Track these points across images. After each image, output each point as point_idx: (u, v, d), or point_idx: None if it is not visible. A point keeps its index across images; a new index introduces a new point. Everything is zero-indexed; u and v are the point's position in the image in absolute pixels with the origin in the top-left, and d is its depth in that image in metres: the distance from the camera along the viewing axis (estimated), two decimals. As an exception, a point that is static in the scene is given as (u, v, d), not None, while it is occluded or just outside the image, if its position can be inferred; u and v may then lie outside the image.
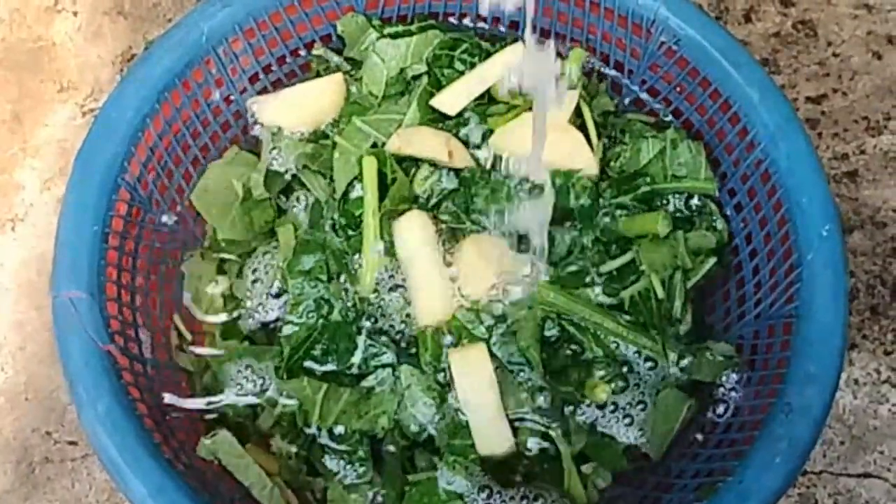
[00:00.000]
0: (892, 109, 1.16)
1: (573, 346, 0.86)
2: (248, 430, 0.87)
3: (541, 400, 0.84)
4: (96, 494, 0.99)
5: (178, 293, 0.92)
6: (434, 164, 0.89)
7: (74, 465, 1.00)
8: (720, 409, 0.84)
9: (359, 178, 0.87)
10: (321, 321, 0.85)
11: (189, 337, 0.90)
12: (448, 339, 0.85)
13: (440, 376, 0.84)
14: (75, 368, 0.77)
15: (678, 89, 0.93)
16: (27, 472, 1.00)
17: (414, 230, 0.86)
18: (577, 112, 0.91)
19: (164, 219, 0.90)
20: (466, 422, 0.83)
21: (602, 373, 0.85)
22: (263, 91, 0.97)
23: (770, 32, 1.20)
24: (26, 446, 1.01)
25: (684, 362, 0.85)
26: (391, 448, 0.84)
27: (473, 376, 0.83)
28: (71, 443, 1.01)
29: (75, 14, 1.23)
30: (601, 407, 0.85)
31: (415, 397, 0.83)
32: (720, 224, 0.89)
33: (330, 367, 0.85)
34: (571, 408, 0.85)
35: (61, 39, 1.22)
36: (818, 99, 1.16)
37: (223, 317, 0.91)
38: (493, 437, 0.83)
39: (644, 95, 0.97)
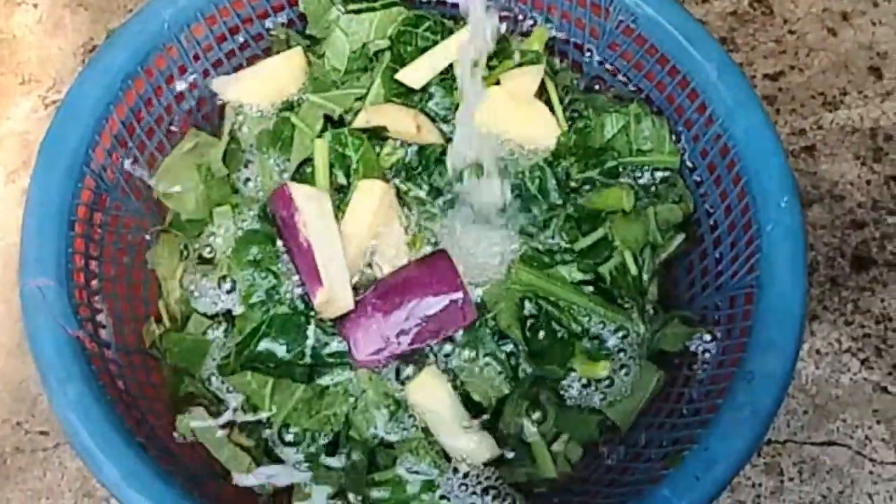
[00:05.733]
0: (848, 85, 1.17)
1: (553, 324, 0.86)
2: (215, 414, 0.87)
3: (516, 384, 0.85)
4: (68, 483, 0.99)
5: (146, 279, 0.92)
6: (400, 141, 0.90)
7: (46, 455, 1.00)
8: (686, 379, 0.85)
9: (312, 158, 0.89)
10: (270, 312, 0.84)
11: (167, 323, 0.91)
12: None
13: (396, 385, 0.85)
14: (45, 355, 0.77)
15: (637, 67, 0.94)
16: (-1, 464, 1.00)
17: (370, 198, 0.86)
18: (542, 88, 0.92)
19: (131, 205, 0.91)
20: (426, 427, 0.84)
21: (586, 348, 0.86)
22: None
23: (727, 11, 1.21)
24: (-3, 437, 1.01)
25: (653, 334, 0.86)
26: (349, 448, 0.85)
27: (434, 404, 0.84)
28: (42, 433, 1.01)
29: (35, 6, 1.23)
30: (587, 385, 0.86)
31: (370, 403, 0.84)
32: (686, 196, 0.91)
33: (281, 353, 0.84)
34: (554, 385, 0.86)
35: (22, 32, 1.22)
36: (775, 76, 1.18)
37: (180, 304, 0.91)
38: (468, 451, 0.83)
39: (604, 74, 0.98)
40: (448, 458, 0.83)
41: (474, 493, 0.81)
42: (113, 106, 0.87)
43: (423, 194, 0.89)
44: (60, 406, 0.76)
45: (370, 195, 0.86)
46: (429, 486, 0.82)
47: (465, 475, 0.82)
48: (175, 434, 0.84)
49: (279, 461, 0.85)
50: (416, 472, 0.82)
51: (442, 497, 0.81)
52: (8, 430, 1.02)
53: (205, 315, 0.89)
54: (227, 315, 0.88)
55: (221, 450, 0.83)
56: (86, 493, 0.99)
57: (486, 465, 0.84)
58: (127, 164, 0.90)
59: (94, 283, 0.84)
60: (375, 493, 0.83)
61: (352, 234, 0.85)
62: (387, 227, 0.87)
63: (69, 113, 0.85)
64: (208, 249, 0.89)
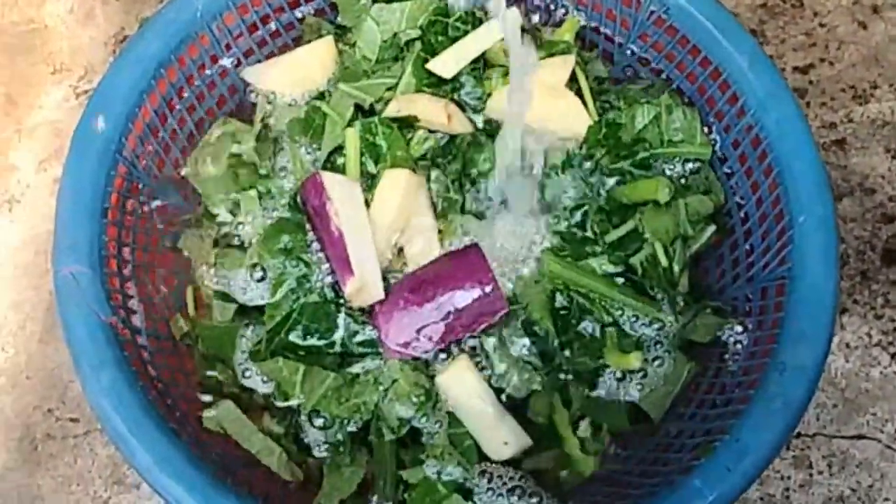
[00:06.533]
0: (879, 78, 1.17)
1: (584, 316, 0.86)
2: (244, 401, 0.87)
3: (548, 376, 0.85)
4: (99, 470, 1.00)
5: (178, 266, 0.93)
6: (430, 129, 0.90)
7: (77, 442, 1.01)
8: (717, 370, 0.85)
9: (343, 146, 0.89)
10: (301, 301, 0.84)
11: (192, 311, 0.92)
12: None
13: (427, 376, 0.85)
14: (79, 342, 0.78)
15: (668, 58, 0.94)
16: (30, 450, 1.01)
17: (396, 187, 0.86)
18: (573, 79, 0.92)
19: (162, 193, 0.91)
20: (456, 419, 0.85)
21: (617, 340, 0.86)
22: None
23: (757, 3, 1.21)
24: (28, 424, 1.02)
25: (683, 325, 0.86)
26: (377, 438, 0.85)
27: (466, 394, 0.84)
28: (73, 420, 1.02)
29: (67, -4, 1.24)
30: (622, 378, 0.86)
31: (400, 392, 0.84)
32: (716, 187, 0.91)
33: (312, 342, 0.84)
34: (586, 377, 0.86)
35: (53, 22, 1.22)
36: (805, 69, 1.17)
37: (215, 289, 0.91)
38: (501, 444, 0.83)
39: (635, 64, 0.98)
40: (475, 457, 0.83)
41: (500, 494, 0.82)
42: (145, 94, 0.88)
43: (453, 185, 0.89)
44: (93, 392, 0.76)
45: (395, 184, 0.86)
46: (455, 487, 0.82)
47: (491, 477, 0.82)
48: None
49: (308, 449, 0.86)
50: (443, 475, 0.82)
51: (468, 498, 0.81)
52: (39, 416, 1.02)
53: (232, 301, 0.89)
54: (248, 307, 0.89)
55: (251, 441, 0.83)
56: (116, 481, 0.99)
57: (516, 456, 0.84)
58: (160, 151, 0.90)
59: (127, 269, 0.85)
60: (403, 493, 0.83)
61: (379, 224, 0.85)
62: (416, 216, 0.87)
63: (103, 101, 0.86)
64: (238, 237, 0.90)
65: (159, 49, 0.88)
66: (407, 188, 0.86)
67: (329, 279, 0.85)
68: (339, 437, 0.84)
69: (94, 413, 0.76)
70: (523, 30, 0.94)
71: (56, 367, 1.04)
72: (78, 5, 1.23)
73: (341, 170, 0.89)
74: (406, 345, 0.83)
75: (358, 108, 0.92)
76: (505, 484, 0.82)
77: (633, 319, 0.86)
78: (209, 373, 0.88)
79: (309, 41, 0.96)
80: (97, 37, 1.21)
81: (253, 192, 0.90)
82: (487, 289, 0.83)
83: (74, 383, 1.02)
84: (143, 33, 0.89)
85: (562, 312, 0.86)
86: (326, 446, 0.85)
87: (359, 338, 0.84)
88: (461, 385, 0.83)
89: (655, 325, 0.86)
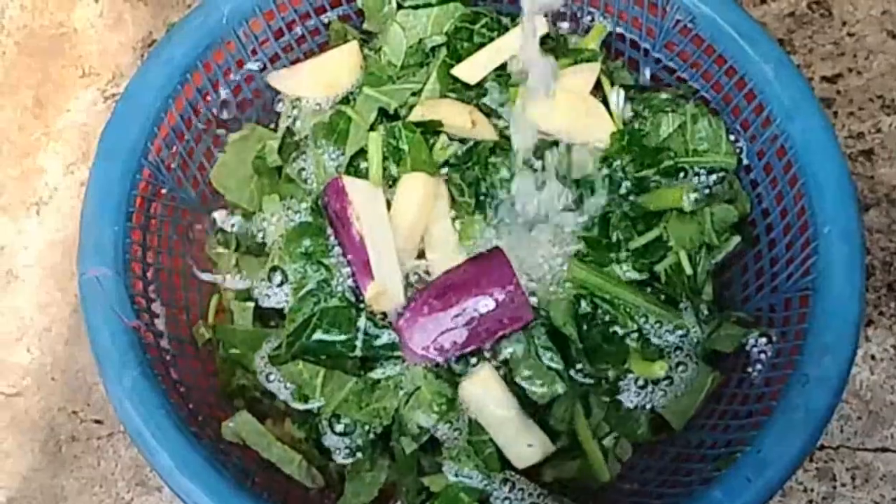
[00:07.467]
0: (908, 88, 1.16)
1: (608, 323, 0.86)
2: (266, 405, 0.88)
3: (570, 383, 0.85)
4: (122, 472, 1.00)
5: (201, 270, 0.93)
6: (453, 136, 0.90)
7: (100, 444, 1.02)
8: (739, 381, 0.85)
9: (366, 150, 0.89)
10: (321, 305, 0.84)
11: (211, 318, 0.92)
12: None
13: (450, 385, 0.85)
14: (102, 344, 0.78)
15: (694, 67, 0.94)
16: (54, 451, 1.02)
17: (414, 192, 0.87)
18: (598, 86, 0.92)
19: (187, 196, 0.92)
20: (476, 424, 0.84)
21: (641, 347, 0.85)
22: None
23: (785, 13, 1.20)
24: (53, 425, 1.03)
25: (707, 334, 0.85)
26: (399, 443, 0.85)
27: (489, 402, 0.83)
28: (97, 421, 1.03)
29: (96, 0, 1.25)
30: (644, 386, 0.86)
31: (422, 399, 0.84)
32: (741, 197, 0.90)
33: (332, 345, 0.84)
34: (609, 385, 0.86)
35: (83, 26, 1.23)
36: (833, 78, 1.17)
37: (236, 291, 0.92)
38: (525, 447, 0.83)
39: (660, 73, 0.97)
40: (497, 465, 0.83)
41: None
42: (172, 99, 0.88)
43: (475, 190, 0.89)
44: (116, 394, 0.77)
45: (414, 189, 0.86)
46: (477, 496, 0.82)
47: (513, 486, 0.82)
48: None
49: (329, 455, 0.86)
50: (461, 478, 0.82)
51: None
52: (64, 418, 1.03)
53: (250, 300, 0.89)
54: (269, 311, 0.89)
55: (270, 450, 0.84)
56: (139, 483, 1.00)
57: (538, 464, 0.84)
58: (185, 156, 0.91)
59: (151, 273, 0.86)
60: (425, 502, 0.84)
61: (398, 228, 0.86)
62: (436, 221, 0.87)
63: (129, 105, 0.87)
64: (262, 236, 0.90)
65: (186, 54, 0.89)
66: (425, 192, 0.86)
67: (349, 283, 0.85)
68: (360, 442, 0.85)
69: (117, 415, 0.77)
70: (548, 37, 0.95)
71: (81, 370, 1.05)
72: (107, 10, 1.24)
73: (364, 174, 0.89)
74: (429, 349, 0.83)
75: (382, 112, 0.92)
76: (523, 500, 0.82)
77: (657, 326, 0.85)
78: (231, 377, 0.88)
79: (335, 46, 0.96)
80: (126, 41, 1.22)
81: (276, 196, 0.90)
82: (512, 295, 0.83)
83: (99, 385, 1.02)
84: (171, 38, 0.90)
85: (586, 318, 0.86)
86: (347, 452, 0.85)
87: (379, 341, 0.84)
88: (485, 392, 0.83)
89: (679, 332, 0.85)
